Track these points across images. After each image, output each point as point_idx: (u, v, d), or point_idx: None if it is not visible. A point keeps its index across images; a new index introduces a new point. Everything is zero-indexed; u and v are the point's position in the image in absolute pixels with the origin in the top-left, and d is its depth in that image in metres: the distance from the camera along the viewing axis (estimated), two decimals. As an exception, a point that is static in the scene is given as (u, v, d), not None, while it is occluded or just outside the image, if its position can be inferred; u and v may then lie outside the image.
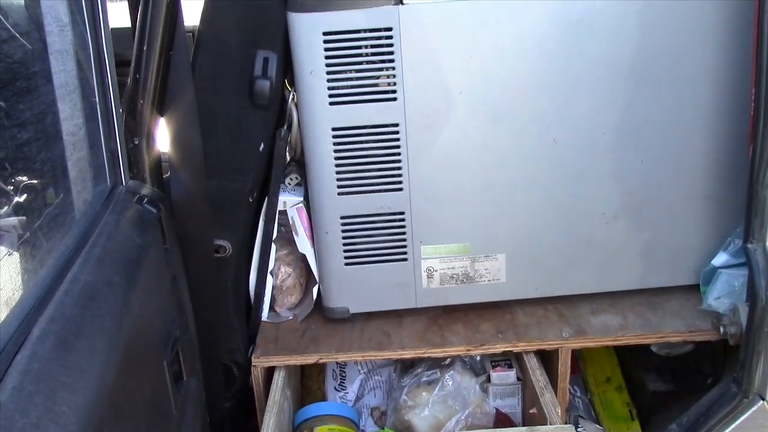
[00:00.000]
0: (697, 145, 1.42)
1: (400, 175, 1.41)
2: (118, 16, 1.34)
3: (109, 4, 1.10)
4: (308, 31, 1.32)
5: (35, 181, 0.93)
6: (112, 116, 1.09)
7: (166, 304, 1.11)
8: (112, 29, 1.09)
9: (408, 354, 1.46)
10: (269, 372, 1.48)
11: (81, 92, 1.04)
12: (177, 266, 1.19)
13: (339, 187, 1.42)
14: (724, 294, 1.41)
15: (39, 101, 0.92)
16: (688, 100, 1.39)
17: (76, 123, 1.02)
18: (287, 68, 1.42)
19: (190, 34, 1.68)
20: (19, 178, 0.90)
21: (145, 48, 1.13)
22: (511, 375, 1.52)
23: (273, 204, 1.50)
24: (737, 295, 1.38)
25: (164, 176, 1.27)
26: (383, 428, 1.52)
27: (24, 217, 0.89)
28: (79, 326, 0.80)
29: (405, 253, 1.47)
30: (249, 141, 1.45)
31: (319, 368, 1.67)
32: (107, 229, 0.98)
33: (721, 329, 1.34)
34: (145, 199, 1.13)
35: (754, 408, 1.28)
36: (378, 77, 1.36)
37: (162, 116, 1.22)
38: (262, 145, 1.46)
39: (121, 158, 1.13)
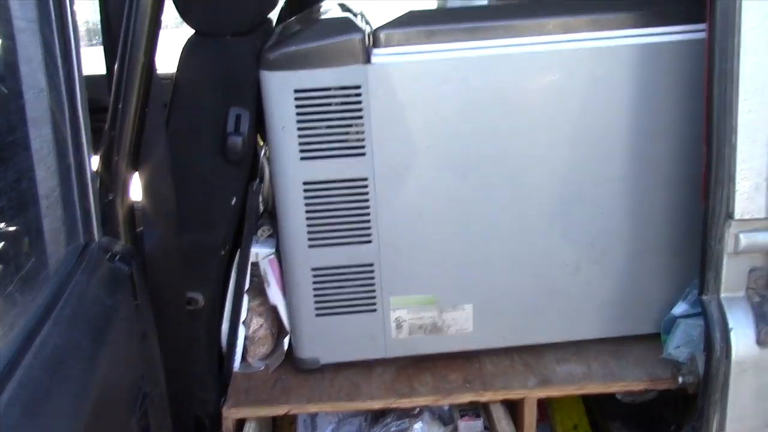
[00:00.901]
0: (655, 199, 1.48)
1: (369, 228, 1.45)
2: (93, 61, 1.35)
3: (84, 49, 1.11)
4: (280, 89, 1.37)
5: (9, 236, 0.95)
6: (86, 176, 1.12)
7: (135, 362, 1.12)
8: (86, 76, 1.11)
9: (377, 404, 1.48)
10: (240, 423, 1.49)
11: (56, 154, 1.06)
12: (148, 322, 1.21)
13: (309, 239, 1.45)
14: (683, 343, 1.45)
15: (15, 169, 0.94)
16: (645, 157, 1.45)
17: (50, 185, 1.04)
18: (259, 124, 1.46)
19: (168, 81, 1.71)
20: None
21: (120, 105, 1.16)
22: (479, 424, 1.54)
23: (245, 256, 1.52)
24: (695, 345, 1.42)
25: (138, 229, 1.29)
26: (353, 478, 1.53)
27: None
28: (46, 392, 0.81)
29: (374, 303, 1.50)
30: (222, 195, 1.48)
31: (290, 418, 1.68)
32: (78, 289, 0.99)
33: (680, 378, 1.38)
34: (117, 257, 1.15)
35: (713, 456, 1.32)
36: (348, 133, 1.40)
37: (136, 171, 1.24)
38: (234, 199, 1.49)
39: (95, 215, 1.15)
